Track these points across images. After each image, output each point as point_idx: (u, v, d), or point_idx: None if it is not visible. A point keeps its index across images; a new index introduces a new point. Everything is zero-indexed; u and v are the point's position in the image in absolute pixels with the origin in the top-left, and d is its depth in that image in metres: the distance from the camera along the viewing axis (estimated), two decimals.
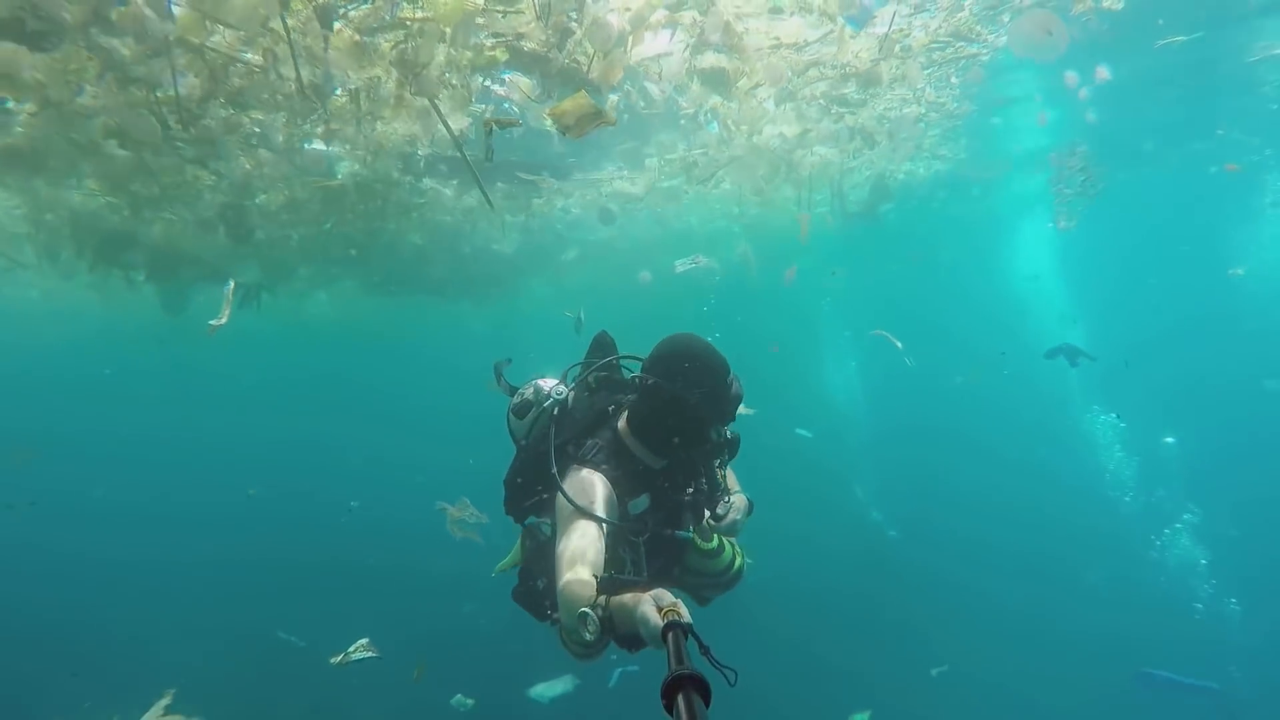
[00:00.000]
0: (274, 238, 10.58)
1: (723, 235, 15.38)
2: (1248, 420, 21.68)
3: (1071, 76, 9.51)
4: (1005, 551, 14.51)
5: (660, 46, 6.00)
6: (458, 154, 6.45)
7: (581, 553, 2.02)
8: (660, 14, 5.46)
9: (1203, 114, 11.97)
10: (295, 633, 10.64)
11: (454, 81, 5.51)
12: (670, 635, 1.36)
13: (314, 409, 26.71)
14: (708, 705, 1.16)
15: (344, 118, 6.45)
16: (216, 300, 5.09)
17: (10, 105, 5.81)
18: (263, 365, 26.17)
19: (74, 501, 16.51)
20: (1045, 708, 10.68)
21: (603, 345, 2.85)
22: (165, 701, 4.02)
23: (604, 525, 2.16)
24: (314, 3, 4.36)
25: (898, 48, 7.27)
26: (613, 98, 7.06)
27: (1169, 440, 16.78)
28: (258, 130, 6.72)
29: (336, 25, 4.68)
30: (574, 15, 5.01)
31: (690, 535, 2.32)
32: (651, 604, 1.50)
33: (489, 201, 5.53)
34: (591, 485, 2.25)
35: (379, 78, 5.40)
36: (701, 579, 2.35)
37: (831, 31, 6.58)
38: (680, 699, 1.15)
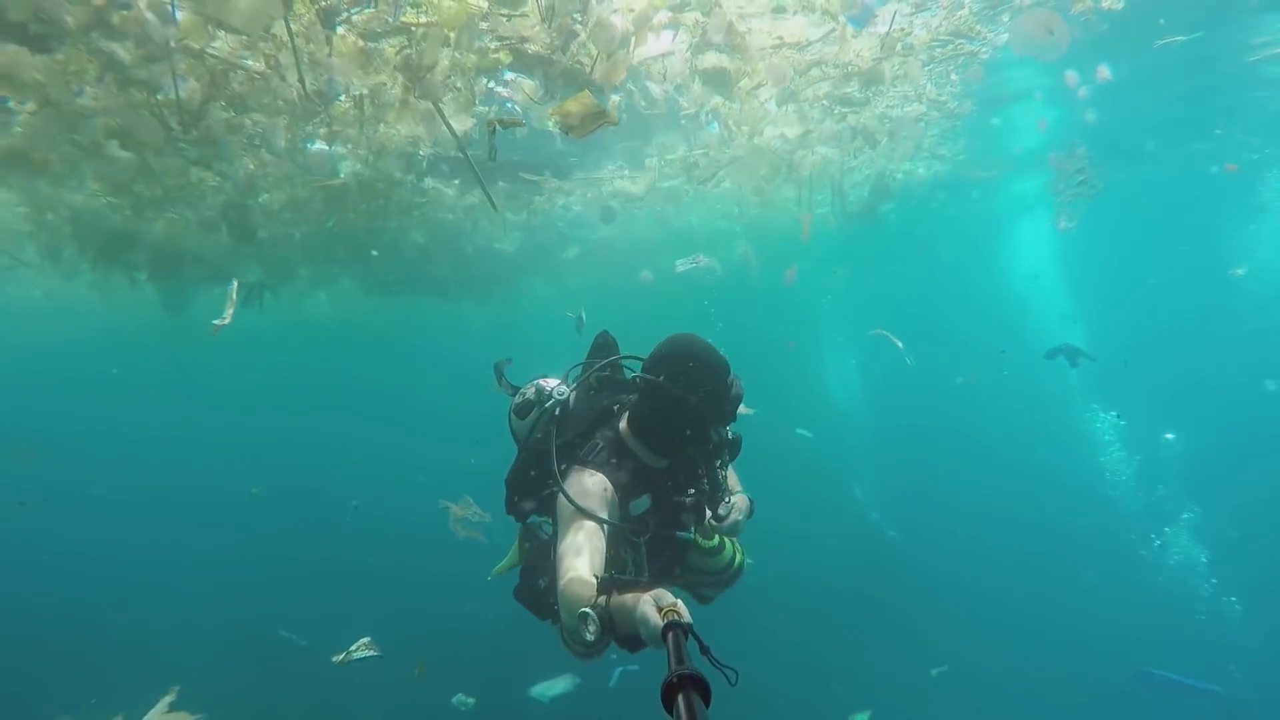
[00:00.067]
0: (276, 236, 10.60)
1: (723, 235, 15.38)
2: (1248, 421, 21.66)
3: (1072, 76, 9.52)
4: (1005, 551, 14.51)
5: (663, 46, 6.00)
6: (460, 155, 6.46)
7: (582, 553, 2.03)
8: (663, 15, 5.47)
9: (1202, 113, 11.97)
10: (297, 631, 10.66)
11: (458, 84, 5.52)
12: (670, 635, 1.37)
13: (315, 408, 26.72)
14: (708, 705, 1.16)
15: (347, 121, 6.47)
16: (217, 300, 5.11)
17: (11, 104, 5.82)
18: (264, 365, 26.19)
19: (76, 500, 16.52)
20: (1045, 708, 10.68)
21: (604, 345, 2.85)
22: (169, 699, 4.03)
23: (605, 525, 2.17)
24: (317, 5, 4.36)
25: (899, 46, 7.28)
26: (615, 98, 7.08)
27: (1169, 437, 16.79)
28: (259, 131, 6.73)
29: (340, 31, 4.68)
30: (578, 17, 5.02)
31: (692, 536, 2.33)
32: (651, 604, 1.50)
33: (492, 203, 5.54)
34: (593, 486, 2.26)
35: (384, 83, 5.41)
36: (703, 577, 2.37)
37: (834, 30, 6.59)
38: (680, 699, 1.16)
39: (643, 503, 2.40)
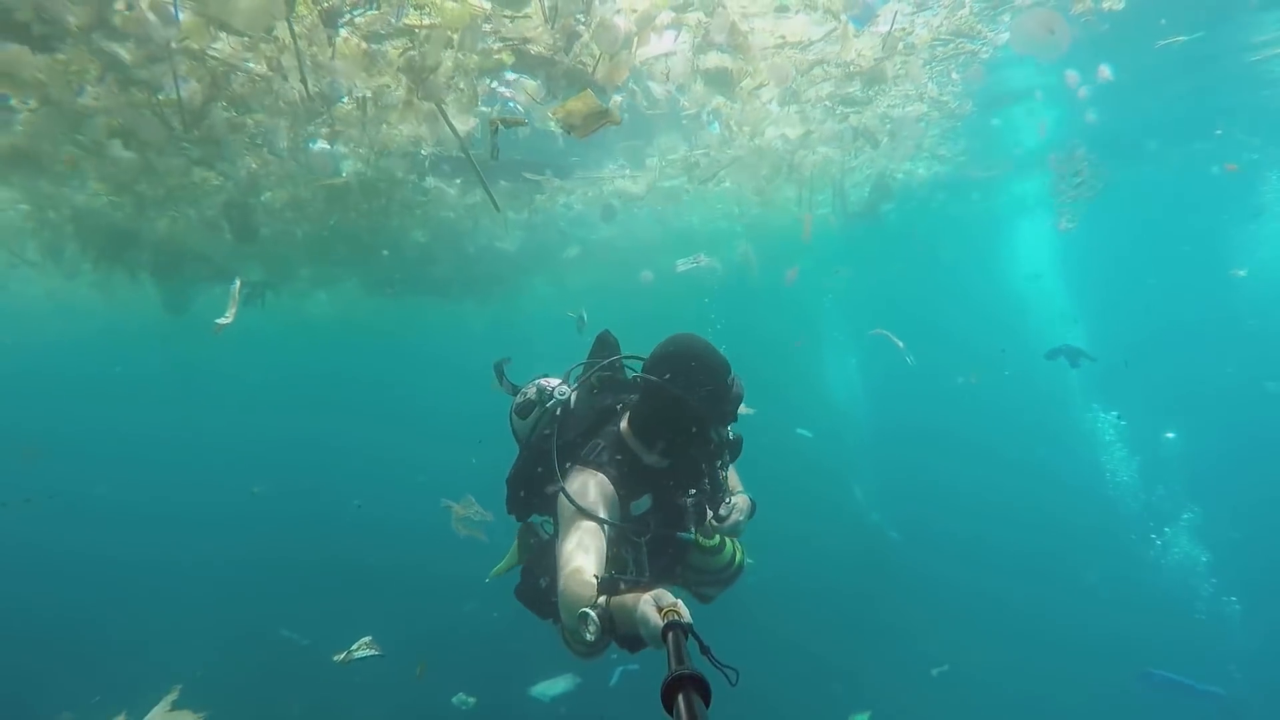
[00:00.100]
0: (278, 234, 10.61)
1: (724, 235, 15.38)
2: (1248, 422, 21.65)
3: (1072, 76, 9.51)
4: (1005, 551, 14.50)
5: (665, 46, 6.01)
6: (463, 155, 6.46)
7: (583, 553, 2.03)
8: (666, 15, 5.47)
9: (1203, 113, 11.97)
10: (298, 631, 10.68)
11: (460, 85, 5.52)
12: (670, 635, 1.37)
13: (316, 408, 26.73)
14: (708, 705, 1.17)
15: (350, 121, 6.47)
16: (218, 300, 5.11)
17: (13, 103, 5.83)
18: (265, 364, 26.21)
19: (77, 500, 16.54)
20: (1045, 708, 10.67)
21: (606, 345, 2.85)
22: (171, 697, 4.05)
23: (605, 526, 2.17)
24: (319, 6, 4.37)
25: (900, 45, 7.29)
26: (616, 98, 7.09)
27: (1169, 435, 16.78)
28: (262, 130, 6.74)
29: (343, 34, 4.68)
30: (581, 18, 5.02)
31: (693, 536, 2.33)
32: (652, 604, 1.51)
33: (495, 204, 5.54)
34: (593, 485, 2.27)
35: (388, 85, 5.41)
36: (703, 576, 2.37)
37: (835, 29, 6.60)
38: (680, 699, 1.16)
39: (644, 503, 2.40)
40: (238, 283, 4.94)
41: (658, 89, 6.90)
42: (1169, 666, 10.38)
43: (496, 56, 5.34)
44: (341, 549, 13.68)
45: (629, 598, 1.64)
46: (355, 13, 4.66)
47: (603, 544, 2.11)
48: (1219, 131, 12.84)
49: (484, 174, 6.12)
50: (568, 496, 2.22)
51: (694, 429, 2.35)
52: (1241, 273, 21.31)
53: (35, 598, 12.23)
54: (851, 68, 7.53)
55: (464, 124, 5.68)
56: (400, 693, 9.00)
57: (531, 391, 2.79)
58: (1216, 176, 14.67)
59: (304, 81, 4.95)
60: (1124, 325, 28.67)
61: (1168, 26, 8.22)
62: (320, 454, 22.72)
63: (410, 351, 26.10)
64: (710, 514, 2.47)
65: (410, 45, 4.96)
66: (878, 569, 13.33)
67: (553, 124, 6.30)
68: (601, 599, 1.74)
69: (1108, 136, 12.38)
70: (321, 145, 7.43)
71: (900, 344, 10.48)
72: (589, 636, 1.71)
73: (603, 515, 2.18)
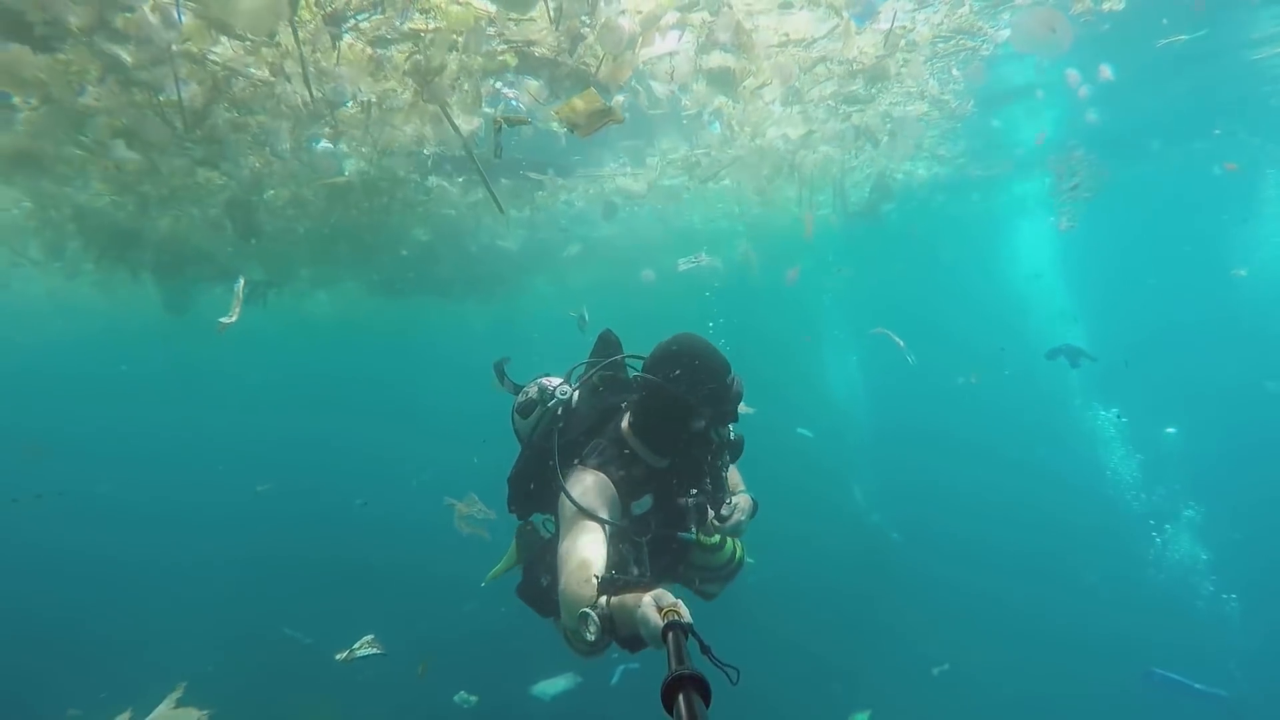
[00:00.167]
0: (279, 231, 10.61)
1: (724, 234, 15.38)
2: (1248, 423, 21.62)
3: (1073, 75, 9.50)
4: (1005, 551, 14.48)
5: (668, 46, 6.01)
6: (466, 155, 6.47)
7: (583, 553, 2.03)
8: (671, 15, 5.47)
9: (1203, 112, 11.96)
10: (301, 629, 10.70)
11: (464, 86, 5.53)
12: (670, 635, 1.37)
13: (318, 408, 26.76)
14: (708, 705, 1.17)
15: (353, 123, 6.48)
16: (219, 300, 5.12)
17: (15, 101, 5.84)
18: (267, 364, 26.23)
19: (80, 499, 16.57)
20: (1045, 708, 10.66)
21: (608, 344, 2.85)
22: (175, 694, 4.06)
23: (606, 525, 2.17)
24: (323, 10, 4.37)
25: (902, 42, 7.29)
26: (619, 97, 7.09)
27: (1170, 430, 16.76)
28: (264, 130, 6.74)
29: (348, 39, 4.68)
30: (586, 19, 5.02)
31: (694, 537, 2.34)
32: (652, 604, 1.51)
33: (499, 205, 5.54)
34: (594, 485, 2.27)
35: (394, 89, 5.41)
36: (705, 573, 2.38)
37: (838, 26, 6.60)
38: (680, 699, 1.16)
39: (645, 503, 2.41)
40: (241, 282, 4.95)
41: (660, 88, 6.90)
42: (1169, 666, 10.38)
43: (500, 58, 5.34)
44: (344, 548, 13.70)
45: (629, 598, 1.64)
46: (359, 17, 4.66)
47: (604, 544, 2.11)
48: (1218, 131, 12.82)
49: (486, 173, 6.12)
50: (569, 496, 2.22)
51: (695, 428, 2.35)
52: (1242, 272, 21.28)
53: (37, 597, 12.26)
54: (854, 65, 7.53)
55: (467, 124, 5.68)
56: (402, 691, 9.02)
57: (533, 391, 2.79)
58: (1217, 176, 14.65)
59: (308, 86, 4.95)
60: (1124, 325, 28.63)
61: (1169, 26, 8.20)
62: (322, 454, 22.75)
63: (411, 351, 26.11)
64: (712, 514, 2.48)
65: (415, 49, 4.96)
66: (878, 569, 13.32)
67: (555, 123, 6.30)
68: (602, 599, 1.75)
69: (1108, 136, 12.37)
70: (325, 145, 7.44)
71: (901, 343, 10.47)
72: (590, 637, 1.72)
73: (604, 515, 2.18)
